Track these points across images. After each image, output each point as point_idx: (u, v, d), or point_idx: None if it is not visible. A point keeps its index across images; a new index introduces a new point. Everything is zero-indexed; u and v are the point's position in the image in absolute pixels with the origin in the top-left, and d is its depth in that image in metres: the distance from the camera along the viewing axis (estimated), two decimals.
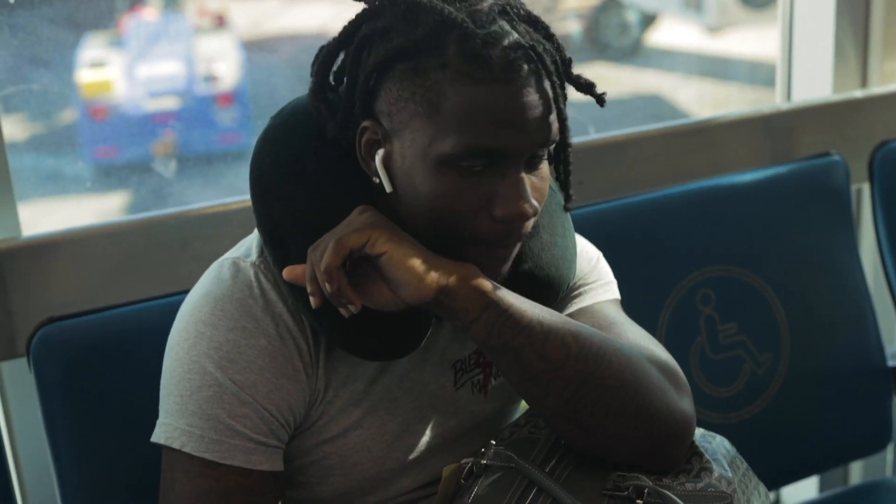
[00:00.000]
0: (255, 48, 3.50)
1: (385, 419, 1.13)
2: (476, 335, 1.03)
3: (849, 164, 1.80)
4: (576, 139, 1.79)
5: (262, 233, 1.07)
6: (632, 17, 3.96)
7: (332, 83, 1.09)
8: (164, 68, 3.44)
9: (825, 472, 2.03)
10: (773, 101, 2.17)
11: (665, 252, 1.65)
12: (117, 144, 3.13)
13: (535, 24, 1.04)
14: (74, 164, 2.26)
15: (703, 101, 3.67)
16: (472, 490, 1.07)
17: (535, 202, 1.02)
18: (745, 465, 1.15)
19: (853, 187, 1.85)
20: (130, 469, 1.26)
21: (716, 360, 1.67)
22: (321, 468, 1.13)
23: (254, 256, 1.09)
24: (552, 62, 1.03)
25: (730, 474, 1.09)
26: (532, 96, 1.00)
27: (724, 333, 1.67)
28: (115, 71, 3.26)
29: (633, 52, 3.98)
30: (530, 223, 1.06)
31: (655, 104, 3.28)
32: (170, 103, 3.42)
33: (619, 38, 3.93)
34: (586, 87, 1.09)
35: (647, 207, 1.67)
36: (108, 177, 2.65)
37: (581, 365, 1.03)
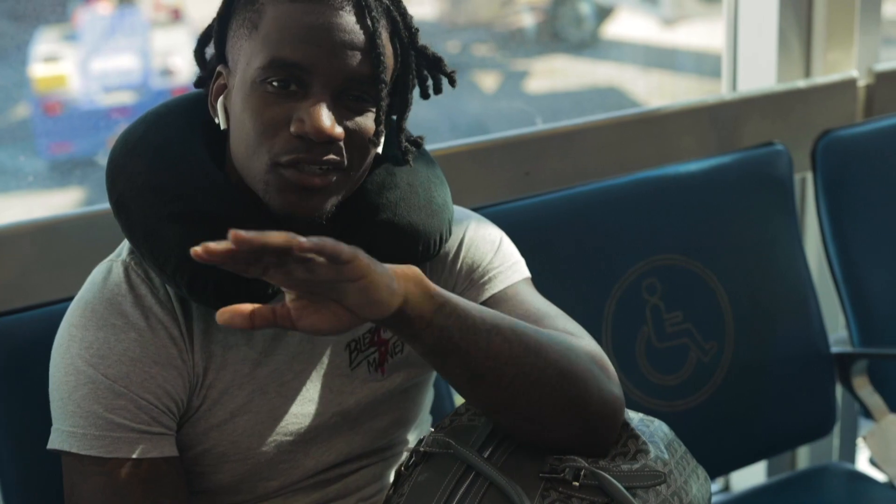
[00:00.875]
0: None
1: (276, 402, 1.14)
2: (426, 341, 0.98)
3: (792, 153, 1.82)
4: (522, 130, 1.81)
5: (111, 204, 1.10)
6: (587, 10, 3.98)
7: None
8: (120, 62, 3.42)
9: (772, 457, 2.06)
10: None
11: (611, 242, 1.67)
12: (71, 139, 3.11)
13: None
14: (17, 160, 2.24)
15: (658, 93, 3.69)
16: (412, 478, 1.08)
17: (338, 128, 1.02)
18: (684, 448, 1.16)
19: (797, 176, 1.88)
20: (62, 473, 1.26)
21: (661, 349, 1.68)
22: (214, 456, 1.14)
23: (124, 255, 1.12)
24: (383, 10, 1.06)
25: (666, 456, 1.10)
26: (344, 20, 1.03)
27: (669, 322, 1.69)
28: (69, 65, 3.23)
29: (588, 45, 3.99)
30: (341, 152, 1.04)
31: (605, 96, 3.29)
32: (125, 98, 3.40)
33: (574, 30, 3.95)
34: (433, 60, 1.13)
35: (593, 197, 1.68)
36: (60, 172, 2.62)
37: (523, 358, 1.02)
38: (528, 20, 3.86)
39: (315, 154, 1.03)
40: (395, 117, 1.15)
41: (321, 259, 0.86)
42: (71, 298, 1.30)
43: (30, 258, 1.45)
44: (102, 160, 2.40)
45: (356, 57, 1.03)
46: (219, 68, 1.10)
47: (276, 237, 0.83)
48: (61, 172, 2.49)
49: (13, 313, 1.28)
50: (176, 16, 3.71)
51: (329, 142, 1.03)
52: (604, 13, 4.23)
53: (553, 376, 1.04)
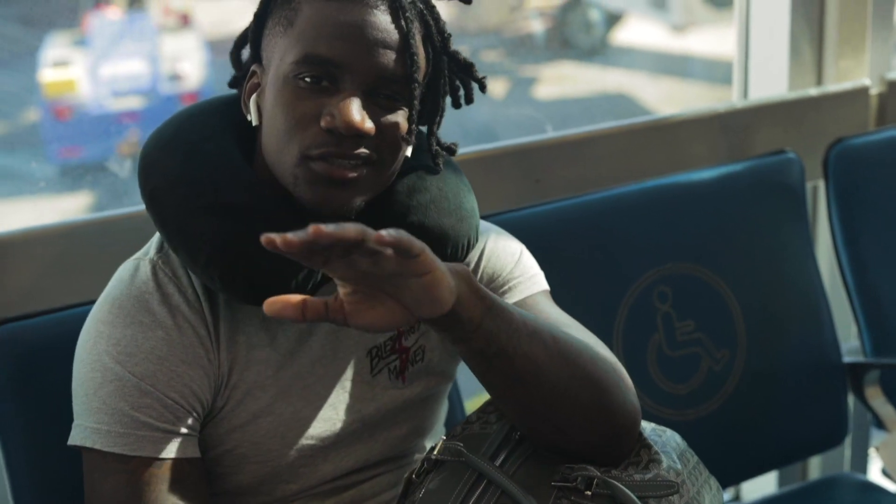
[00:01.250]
0: (220, 47, 3.50)
1: (298, 405, 1.15)
2: (476, 344, 0.97)
3: (804, 161, 1.81)
4: (533, 137, 1.81)
5: (143, 197, 1.10)
6: (596, 16, 3.98)
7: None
8: (129, 67, 3.43)
9: (783, 467, 2.05)
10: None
11: (622, 250, 1.66)
12: (81, 144, 3.12)
13: None
14: (27, 164, 2.24)
15: (668, 100, 3.69)
16: (424, 486, 1.08)
17: (369, 123, 1.03)
18: (696, 458, 1.16)
19: (809, 184, 1.87)
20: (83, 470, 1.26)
21: (673, 358, 1.68)
22: (235, 457, 1.14)
23: (152, 254, 1.12)
24: (417, 13, 1.08)
25: (679, 466, 1.10)
26: (378, 19, 1.04)
27: (680, 331, 1.68)
28: (78, 70, 3.25)
29: (598, 51, 3.99)
30: (372, 147, 1.05)
31: (614, 102, 3.29)
32: (134, 102, 3.41)
33: (583, 36, 3.94)
34: (465, 66, 1.14)
35: (604, 205, 1.68)
36: (70, 177, 2.63)
37: (561, 364, 1.02)
38: (537, 26, 3.86)
39: (345, 148, 1.04)
40: (424, 127, 1.16)
41: (389, 252, 0.85)
42: (84, 303, 1.31)
43: (43, 263, 1.45)
44: (112, 165, 2.41)
45: (389, 55, 1.04)
46: (253, 67, 1.12)
47: (352, 230, 0.81)
48: (72, 177, 2.50)
49: (27, 318, 1.28)
50: (185, 21, 3.72)
51: (359, 136, 1.04)
52: (613, 19, 4.22)
53: (584, 381, 1.04)
